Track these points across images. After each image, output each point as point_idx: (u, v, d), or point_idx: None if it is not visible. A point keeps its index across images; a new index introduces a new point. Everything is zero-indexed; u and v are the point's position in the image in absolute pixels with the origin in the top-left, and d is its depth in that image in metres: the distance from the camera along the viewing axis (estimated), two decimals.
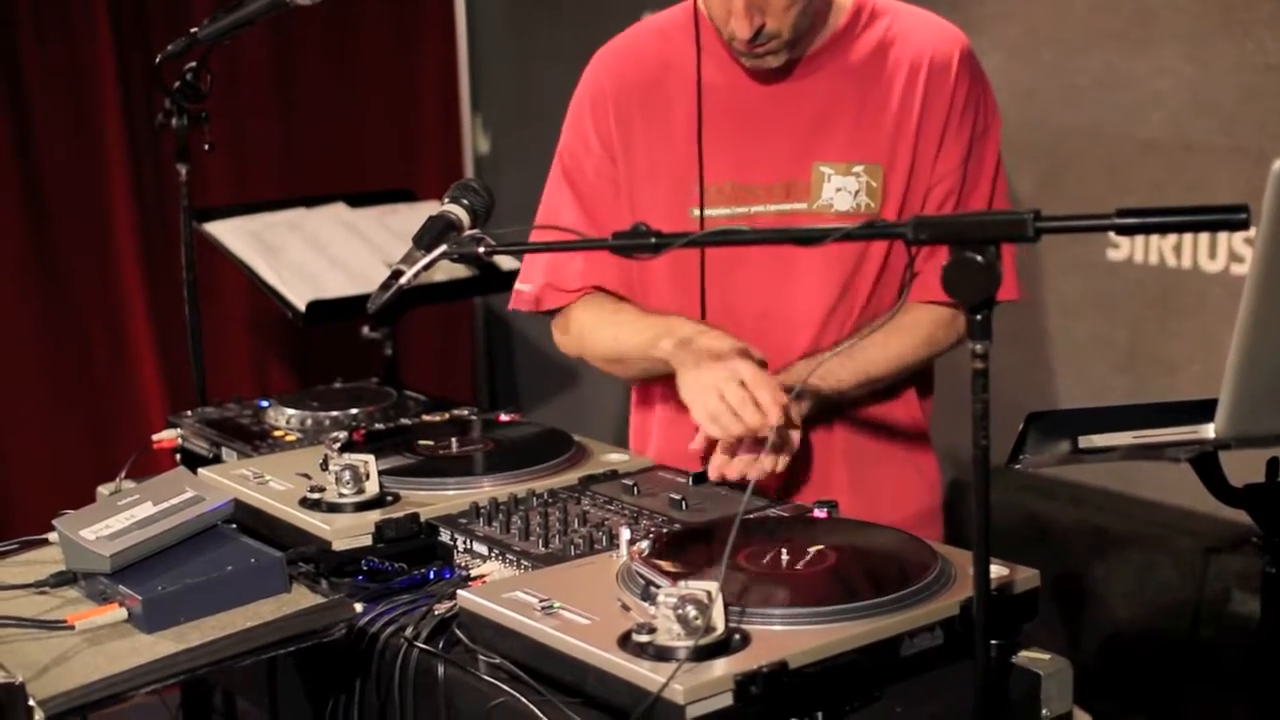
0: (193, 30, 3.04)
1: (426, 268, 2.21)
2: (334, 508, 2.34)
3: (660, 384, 2.77)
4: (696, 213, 2.67)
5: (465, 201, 2.31)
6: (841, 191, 2.64)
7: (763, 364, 2.51)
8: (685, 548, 2.09)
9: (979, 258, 1.65)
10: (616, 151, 2.75)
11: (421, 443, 2.67)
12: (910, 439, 2.83)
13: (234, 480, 2.51)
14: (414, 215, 2.43)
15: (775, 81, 2.67)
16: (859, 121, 2.65)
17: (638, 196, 2.73)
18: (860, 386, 2.68)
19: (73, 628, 2.06)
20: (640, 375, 2.80)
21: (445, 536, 2.31)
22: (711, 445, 2.50)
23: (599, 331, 2.76)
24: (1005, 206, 2.78)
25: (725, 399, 2.42)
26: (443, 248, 2.20)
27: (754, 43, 2.52)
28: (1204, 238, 3.68)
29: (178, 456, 2.95)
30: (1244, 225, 1.62)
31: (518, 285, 2.86)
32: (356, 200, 4.63)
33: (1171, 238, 3.73)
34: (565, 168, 2.81)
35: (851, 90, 2.65)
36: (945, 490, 3.79)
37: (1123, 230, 1.67)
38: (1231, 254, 3.64)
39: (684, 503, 2.36)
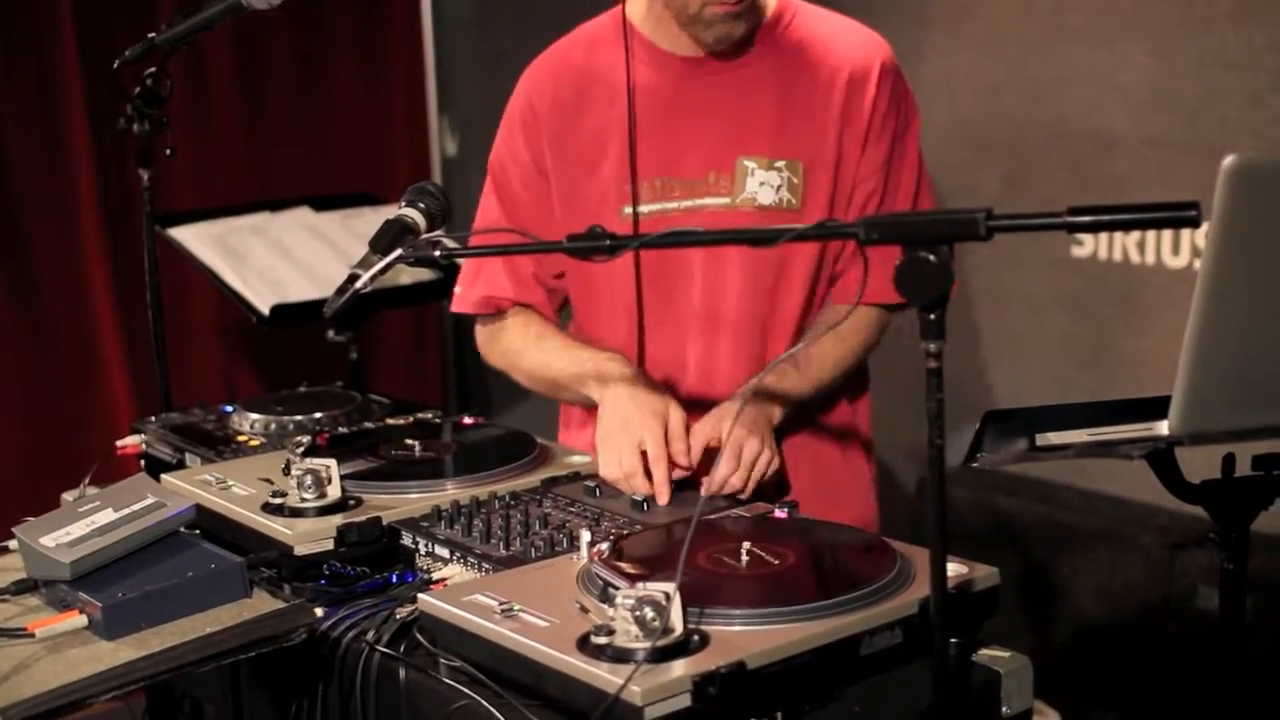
0: (150, 35, 3.03)
1: (382, 272, 2.21)
2: (296, 512, 2.34)
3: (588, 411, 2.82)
4: (628, 210, 2.73)
5: (422, 205, 2.32)
6: (765, 186, 2.70)
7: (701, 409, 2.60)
8: (645, 549, 2.09)
9: (931, 257, 1.65)
10: (547, 164, 2.81)
11: (384, 447, 2.66)
12: (847, 442, 2.88)
13: (196, 485, 2.51)
14: (378, 218, 2.43)
15: (700, 78, 2.73)
16: (782, 118, 2.71)
17: (572, 200, 2.79)
18: (816, 395, 2.75)
19: (33, 635, 2.06)
20: (572, 402, 2.86)
21: (407, 540, 2.30)
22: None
23: (523, 357, 2.84)
24: (930, 203, 2.85)
25: (621, 466, 2.46)
26: (398, 252, 2.20)
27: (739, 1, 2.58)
28: (1167, 234, 3.70)
29: (142, 462, 2.94)
30: (1195, 223, 1.63)
31: (456, 289, 2.94)
32: (321, 204, 4.62)
33: (1135, 234, 3.74)
34: (495, 180, 2.89)
35: (774, 87, 2.71)
36: (910, 490, 3.80)
37: (1073, 228, 1.68)
38: (1195, 250, 3.65)
39: (645, 504, 2.37)
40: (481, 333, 2.93)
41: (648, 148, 2.73)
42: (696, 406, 2.64)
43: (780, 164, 2.70)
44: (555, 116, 2.80)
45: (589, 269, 2.78)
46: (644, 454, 2.47)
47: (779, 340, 2.77)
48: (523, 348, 2.84)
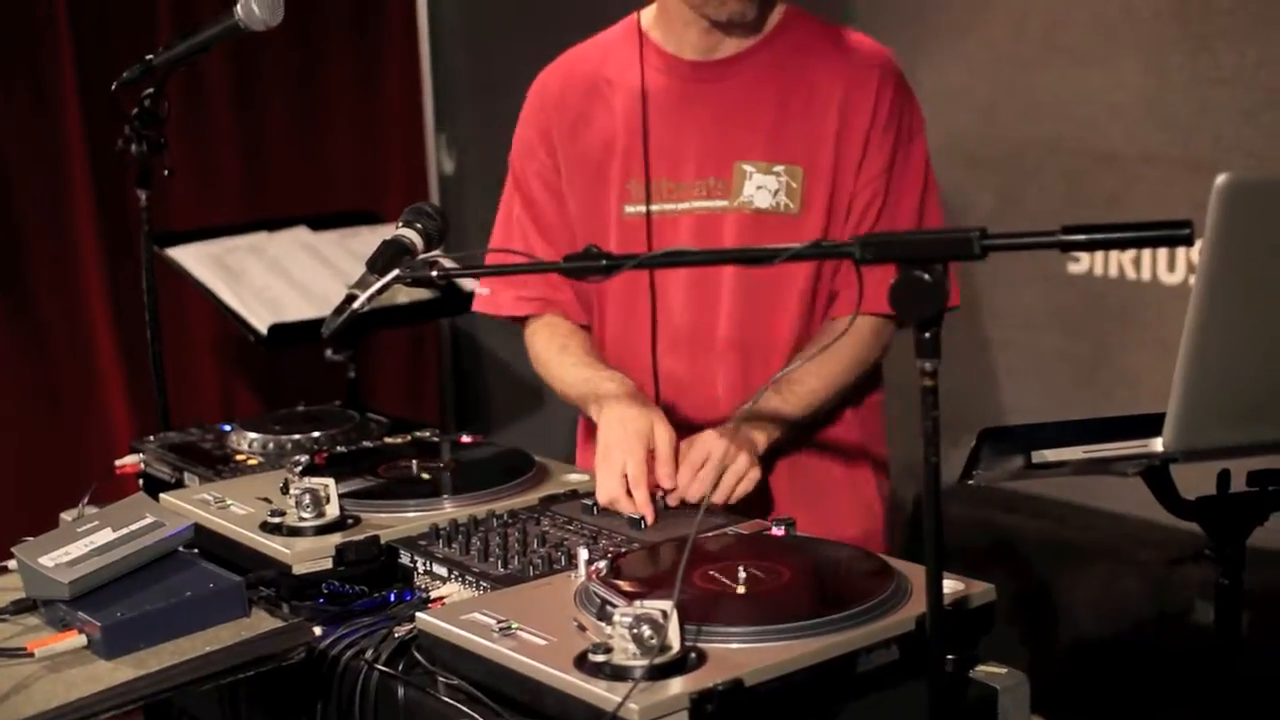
0: (148, 57, 3.04)
1: (379, 292, 2.22)
2: (294, 531, 2.34)
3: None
4: (630, 209, 2.80)
5: (419, 225, 2.34)
6: (762, 190, 2.74)
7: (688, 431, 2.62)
8: (642, 567, 2.10)
9: (926, 276, 1.66)
10: (559, 159, 2.87)
11: (383, 465, 2.67)
12: (850, 459, 2.89)
13: (195, 505, 2.51)
14: (376, 237, 2.44)
15: (703, 82, 2.79)
16: (781, 122, 2.75)
17: (581, 198, 2.85)
18: (807, 416, 2.76)
19: (32, 655, 2.06)
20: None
21: (405, 559, 2.31)
22: None
23: (549, 371, 2.89)
24: (937, 217, 2.86)
25: (606, 490, 2.47)
26: (395, 272, 2.22)
27: None
28: (1162, 251, 3.70)
29: (140, 482, 2.94)
30: (1188, 241, 1.64)
31: (478, 288, 2.99)
32: (318, 223, 4.63)
33: (1130, 251, 3.75)
34: (515, 177, 2.95)
35: (775, 92, 2.76)
36: (910, 507, 3.80)
37: (1067, 247, 1.69)
38: (1190, 266, 3.66)
39: (643, 522, 2.37)
40: (526, 333, 2.99)
41: (650, 149, 2.78)
42: (689, 423, 2.65)
43: (779, 168, 2.74)
44: (564, 115, 2.87)
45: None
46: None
47: (775, 358, 2.79)
48: (548, 361, 2.89)
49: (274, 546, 2.30)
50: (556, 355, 2.86)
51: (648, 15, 2.86)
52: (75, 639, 2.08)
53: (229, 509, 2.49)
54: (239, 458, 2.87)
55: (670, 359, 2.83)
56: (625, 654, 1.75)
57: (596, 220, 2.84)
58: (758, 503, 2.65)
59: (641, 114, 2.79)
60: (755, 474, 2.58)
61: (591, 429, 2.93)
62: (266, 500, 2.49)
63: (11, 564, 2.34)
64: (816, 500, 2.82)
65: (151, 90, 3.11)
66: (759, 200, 2.74)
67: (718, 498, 2.52)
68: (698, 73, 2.79)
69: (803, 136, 2.74)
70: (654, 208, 2.79)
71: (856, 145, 2.74)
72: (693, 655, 1.79)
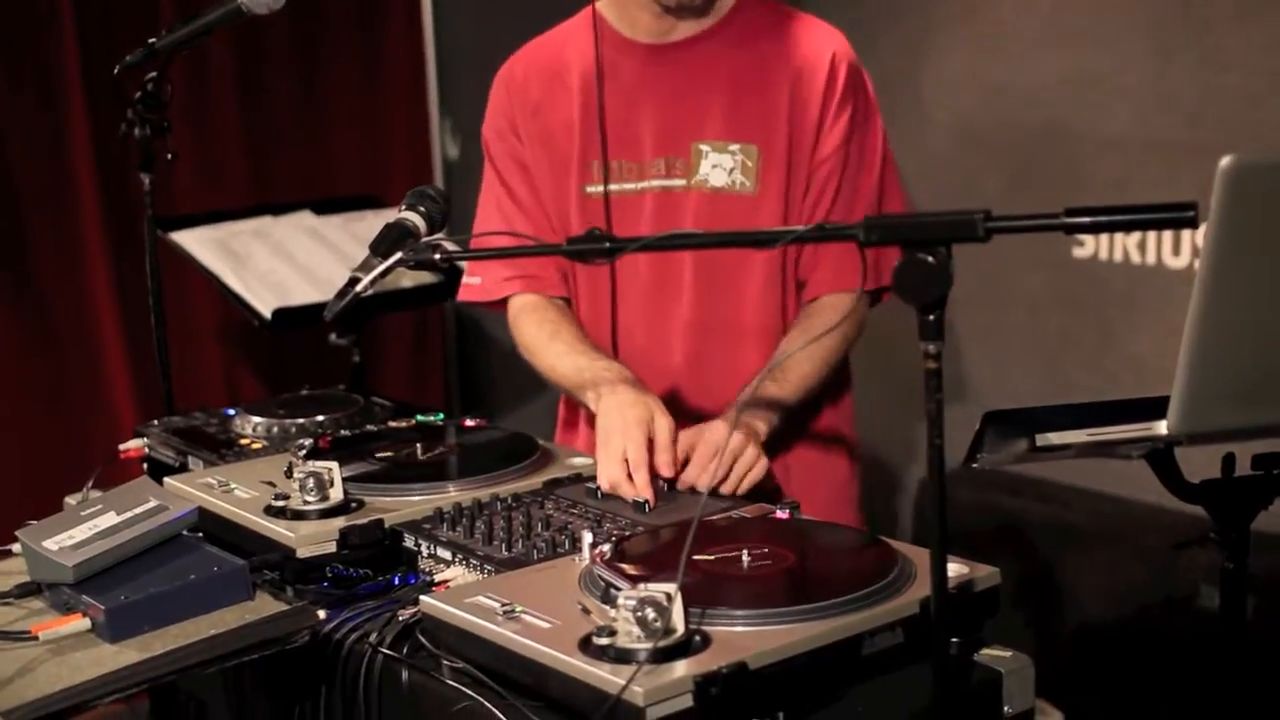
0: (151, 40, 3.04)
1: (382, 275, 2.22)
2: (298, 515, 2.34)
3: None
4: (590, 189, 2.86)
5: (422, 209, 2.34)
6: (717, 169, 2.79)
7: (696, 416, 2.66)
8: (646, 550, 2.10)
9: (930, 259, 1.66)
10: (524, 142, 2.93)
11: (387, 449, 2.67)
12: (828, 445, 2.94)
13: (199, 489, 2.51)
14: (380, 222, 2.44)
15: (660, 65, 2.84)
16: (735, 102, 2.80)
17: (543, 180, 2.91)
18: (802, 399, 2.80)
19: (36, 638, 2.06)
20: (581, 404, 2.90)
21: (409, 542, 2.31)
22: None
23: (540, 358, 2.90)
24: (897, 194, 2.91)
25: (607, 476, 2.47)
26: (398, 255, 2.22)
27: None
28: (1167, 234, 3.70)
29: (144, 466, 2.94)
30: (1192, 223, 1.64)
31: (467, 278, 3.03)
32: (322, 207, 4.64)
33: (1135, 235, 3.75)
34: (490, 155, 3.01)
35: (728, 72, 2.81)
36: (912, 488, 3.80)
37: (1071, 229, 1.69)
38: (1196, 250, 3.65)
39: (646, 506, 2.37)
40: (510, 315, 3.00)
41: (608, 130, 2.83)
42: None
43: (734, 147, 2.79)
44: (526, 100, 2.93)
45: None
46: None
47: (737, 339, 2.84)
48: (536, 346, 2.90)
49: (278, 530, 2.30)
50: (548, 342, 2.86)
51: (605, 1, 2.91)
52: (79, 622, 2.09)
53: (233, 493, 2.49)
54: (243, 441, 2.87)
55: (631, 338, 2.89)
56: (629, 637, 1.75)
57: (560, 201, 2.89)
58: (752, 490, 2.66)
59: (598, 95, 2.84)
60: (764, 463, 2.58)
61: (572, 416, 2.97)
62: (271, 484, 2.49)
63: (16, 548, 2.34)
64: (794, 485, 2.84)
65: (154, 74, 3.11)
66: (714, 179, 2.79)
67: (727, 489, 2.52)
68: (653, 55, 2.85)
69: (757, 116, 2.79)
70: (614, 187, 2.84)
71: (810, 125, 2.79)
72: (697, 638, 1.79)
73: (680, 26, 2.83)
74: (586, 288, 2.93)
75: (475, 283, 2.99)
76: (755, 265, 2.81)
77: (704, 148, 2.80)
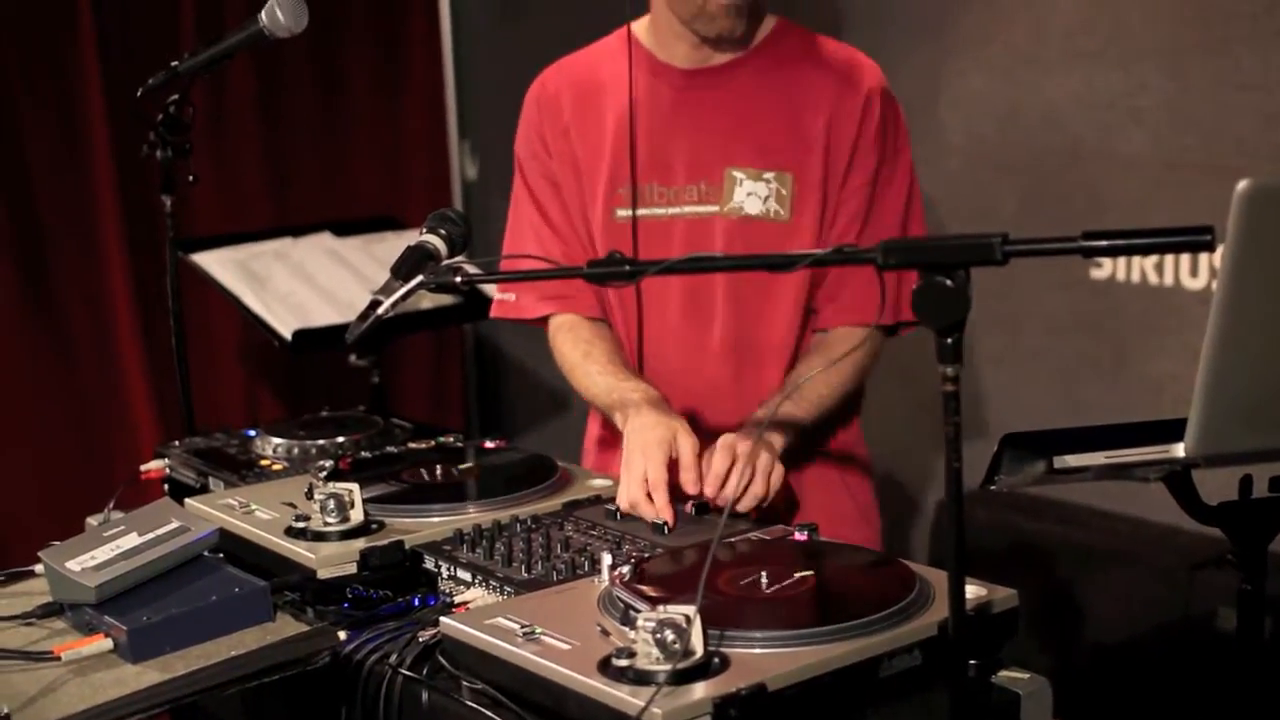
0: (173, 64, 3.05)
1: (404, 298, 2.23)
2: (319, 536, 2.35)
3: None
4: (620, 213, 2.84)
5: (443, 231, 2.35)
6: (752, 196, 2.78)
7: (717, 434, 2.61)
8: (665, 572, 2.11)
9: (948, 282, 1.66)
10: (554, 161, 2.92)
11: (407, 470, 2.68)
12: (846, 465, 2.93)
13: (220, 510, 2.52)
14: (400, 243, 2.46)
15: (695, 90, 2.83)
16: (771, 130, 2.79)
17: (570, 200, 2.91)
18: (817, 421, 2.80)
19: (59, 659, 2.07)
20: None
21: (429, 563, 2.32)
22: None
23: (574, 377, 2.90)
24: (920, 230, 2.90)
25: (627, 496, 2.48)
26: (419, 278, 2.23)
27: None
28: (1185, 256, 3.70)
29: (166, 486, 2.95)
30: (1209, 247, 1.64)
31: (497, 294, 3.03)
32: (342, 229, 4.66)
33: (1153, 256, 3.75)
34: (523, 177, 2.99)
35: (765, 100, 2.80)
36: (930, 510, 3.80)
37: (1089, 253, 1.69)
38: (1213, 271, 3.64)
39: (666, 527, 2.38)
40: (549, 333, 3.00)
41: (640, 154, 2.82)
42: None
43: (769, 175, 2.78)
44: (558, 118, 2.92)
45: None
46: None
47: (766, 363, 2.84)
48: (570, 365, 2.91)
49: (299, 551, 2.31)
50: (581, 362, 2.87)
51: (640, 24, 2.90)
52: (101, 643, 2.10)
53: (254, 514, 2.50)
54: (264, 463, 2.88)
55: (663, 361, 2.89)
56: (649, 659, 1.76)
57: (588, 223, 2.89)
58: (768, 510, 2.66)
59: (630, 119, 2.83)
60: (781, 470, 2.59)
61: (603, 438, 2.97)
62: (291, 505, 2.50)
63: (38, 568, 2.36)
64: (823, 507, 2.85)
65: (176, 96, 3.13)
66: (749, 207, 2.78)
67: (752, 496, 2.52)
68: (689, 80, 2.84)
69: (792, 144, 2.78)
70: (644, 212, 2.83)
71: (843, 155, 2.78)
72: (716, 660, 1.79)
73: (716, 54, 2.83)
74: (619, 310, 2.92)
75: (510, 300, 2.99)
76: (786, 290, 2.81)
77: (738, 174, 2.79)
